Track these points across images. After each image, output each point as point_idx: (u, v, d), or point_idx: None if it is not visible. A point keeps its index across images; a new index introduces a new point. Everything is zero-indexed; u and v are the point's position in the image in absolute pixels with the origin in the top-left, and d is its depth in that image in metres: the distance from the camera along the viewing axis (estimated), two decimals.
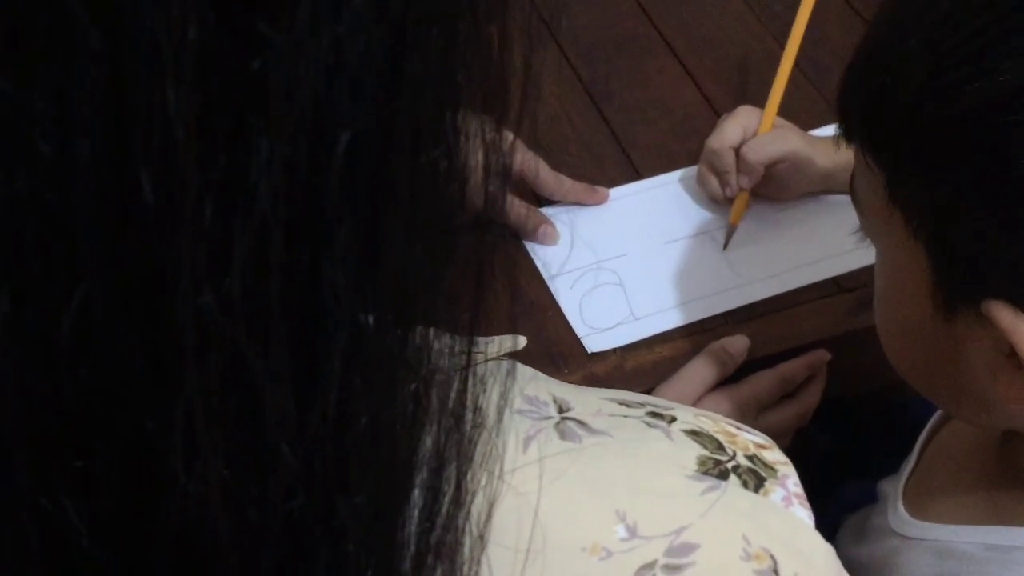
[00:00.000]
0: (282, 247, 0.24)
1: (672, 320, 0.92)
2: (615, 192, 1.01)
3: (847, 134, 0.64)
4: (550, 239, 0.97)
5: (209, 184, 0.24)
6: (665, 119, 1.08)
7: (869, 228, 0.66)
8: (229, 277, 0.24)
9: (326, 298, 0.26)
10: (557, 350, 0.90)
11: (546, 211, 0.99)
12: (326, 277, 0.25)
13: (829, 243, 0.96)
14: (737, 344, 0.88)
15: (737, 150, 0.97)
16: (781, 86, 0.99)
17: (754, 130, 0.97)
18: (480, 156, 0.29)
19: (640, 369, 0.90)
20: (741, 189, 0.96)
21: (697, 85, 1.11)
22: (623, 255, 0.97)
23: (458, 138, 0.28)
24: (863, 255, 0.93)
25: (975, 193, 0.56)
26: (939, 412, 0.81)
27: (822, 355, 0.89)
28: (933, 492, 0.76)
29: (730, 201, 0.98)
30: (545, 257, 0.96)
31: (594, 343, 0.91)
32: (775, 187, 0.98)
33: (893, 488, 0.78)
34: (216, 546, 0.26)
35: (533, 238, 0.97)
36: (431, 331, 0.29)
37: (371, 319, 0.26)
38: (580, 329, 0.91)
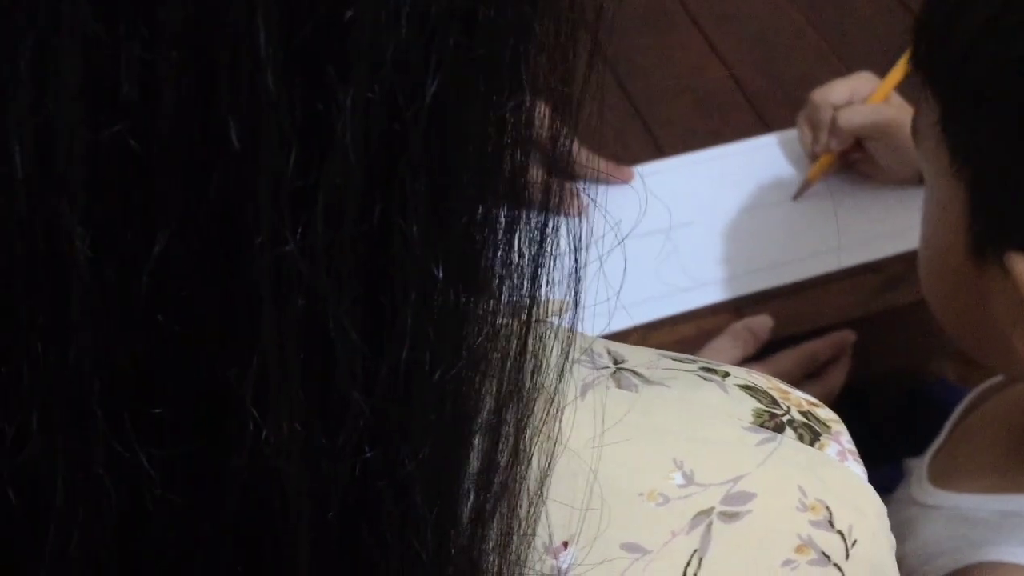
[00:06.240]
0: (360, 197, 0.24)
1: (695, 299, 0.91)
2: (640, 170, 1.01)
3: (915, 62, 0.64)
4: (576, 211, 0.96)
5: (293, 131, 0.23)
6: (688, 95, 1.07)
7: (921, 158, 0.66)
8: (310, 226, 0.24)
9: (398, 249, 0.25)
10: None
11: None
12: (398, 227, 0.25)
13: (857, 230, 0.95)
14: (761, 324, 0.87)
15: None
16: (904, 62, 0.95)
17: (864, 96, 0.96)
18: (546, 111, 0.29)
19: (662, 347, 0.89)
20: (828, 150, 0.96)
21: (722, 61, 1.10)
22: (646, 234, 0.96)
23: (527, 91, 0.27)
24: (890, 243, 0.93)
25: (1015, 140, 0.56)
26: (971, 395, 0.81)
27: (847, 335, 0.88)
28: (957, 465, 0.76)
29: (815, 159, 0.97)
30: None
31: (616, 320, 0.90)
32: (869, 163, 0.97)
33: (919, 462, 0.79)
34: (284, 495, 0.26)
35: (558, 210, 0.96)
36: (495, 286, 0.29)
37: (441, 271, 0.26)
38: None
